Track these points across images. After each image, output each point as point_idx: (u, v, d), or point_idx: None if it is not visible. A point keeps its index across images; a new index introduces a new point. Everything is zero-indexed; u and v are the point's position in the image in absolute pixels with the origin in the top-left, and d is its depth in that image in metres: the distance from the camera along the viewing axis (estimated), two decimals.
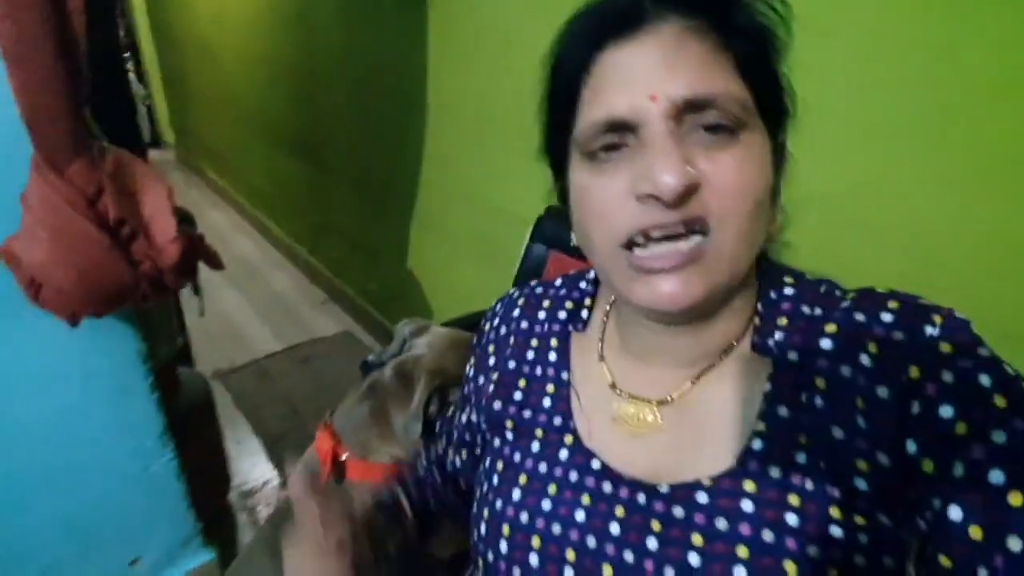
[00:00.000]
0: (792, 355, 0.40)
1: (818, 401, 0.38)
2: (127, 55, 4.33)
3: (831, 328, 0.39)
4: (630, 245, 0.38)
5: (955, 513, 0.31)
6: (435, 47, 1.56)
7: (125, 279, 0.83)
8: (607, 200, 0.38)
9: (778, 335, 0.41)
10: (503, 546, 0.46)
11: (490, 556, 0.47)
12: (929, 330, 0.36)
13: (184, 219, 0.99)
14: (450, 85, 1.55)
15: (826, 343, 0.39)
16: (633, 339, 0.47)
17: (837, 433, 0.37)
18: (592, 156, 0.39)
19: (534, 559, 0.44)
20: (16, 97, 0.71)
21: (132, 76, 4.43)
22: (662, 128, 0.35)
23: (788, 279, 0.44)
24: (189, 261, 0.91)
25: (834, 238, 0.82)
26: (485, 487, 0.51)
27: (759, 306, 0.43)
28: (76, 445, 1.03)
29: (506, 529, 0.46)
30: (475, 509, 0.51)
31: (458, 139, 1.56)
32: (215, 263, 0.98)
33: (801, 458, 0.38)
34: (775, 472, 0.38)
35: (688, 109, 0.35)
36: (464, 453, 0.61)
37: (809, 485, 0.37)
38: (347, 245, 2.44)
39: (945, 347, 0.35)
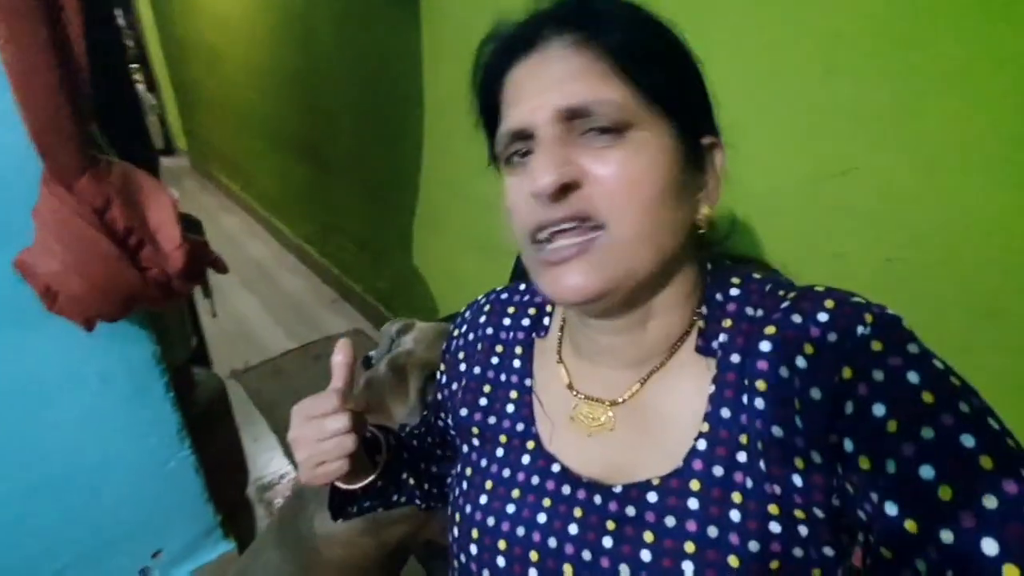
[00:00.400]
0: (734, 357, 0.41)
1: (758, 402, 0.39)
2: (136, 66, 4.43)
3: (770, 330, 0.40)
4: (537, 241, 0.41)
5: (891, 508, 0.33)
6: (428, 45, 1.58)
7: (135, 285, 0.87)
8: (516, 200, 0.42)
9: (722, 337, 0.43)
10: (473, 549, 0.48)
11: (463, 558, 0.50)
12: (860, 329, 0.37)
13: (191, 226, 1.03)
14: (445, 82, 1.57)
15: (765, 345, 0.40)
16: (582, 340, 0.49)
17: (776, 432, 0.38)
18: (508, 161, 0.44)
19: (501, 561, 0.46)
20: (23, 117, 0.75)
21: (142, 87, 4.54)
22: (547, 134, 0.39)
23: (735, 280, 0.45)
24: (196, 266, 0.96)
25: (816, 222, 0.84)
26: (456, 492, 0.53)
27: (703, 308, 0.44)
28: (97, 444, 1.08)
29: (475, 533, 0.48)
30: (449, 512, 0.53)
31: (454, 136, 1.58)
32: (220, 267, 1.02)
33: (742, 457, 0.39)
34: (718, 471, 0.40)
35: (571, 116, 0.39)
36: (443, 452, 0.64)
37: (750, 483, 0.39)
38: (355, 245, 2.48)
39: (876, 345, 0.36)
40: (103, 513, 1.13)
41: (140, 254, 0.88)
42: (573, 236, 0.39)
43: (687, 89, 0.42)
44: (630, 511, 0.42)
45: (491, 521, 0.48)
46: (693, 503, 0.40)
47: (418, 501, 0.64)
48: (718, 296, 0.44)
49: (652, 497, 0.42)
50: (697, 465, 0.41)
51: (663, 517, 0.41)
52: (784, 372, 0.38)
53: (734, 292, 0.44)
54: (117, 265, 0.84)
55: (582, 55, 0.39)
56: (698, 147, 0.42)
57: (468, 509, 0.50)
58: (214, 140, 4.05)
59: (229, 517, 1.34)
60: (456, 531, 0.51)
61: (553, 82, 0.39)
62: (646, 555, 0.40)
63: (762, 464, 0.39)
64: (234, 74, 3.18)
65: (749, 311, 0.42)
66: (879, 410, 0.34)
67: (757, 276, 0.45)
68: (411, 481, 0.62)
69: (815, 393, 0.37)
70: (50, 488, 1.06)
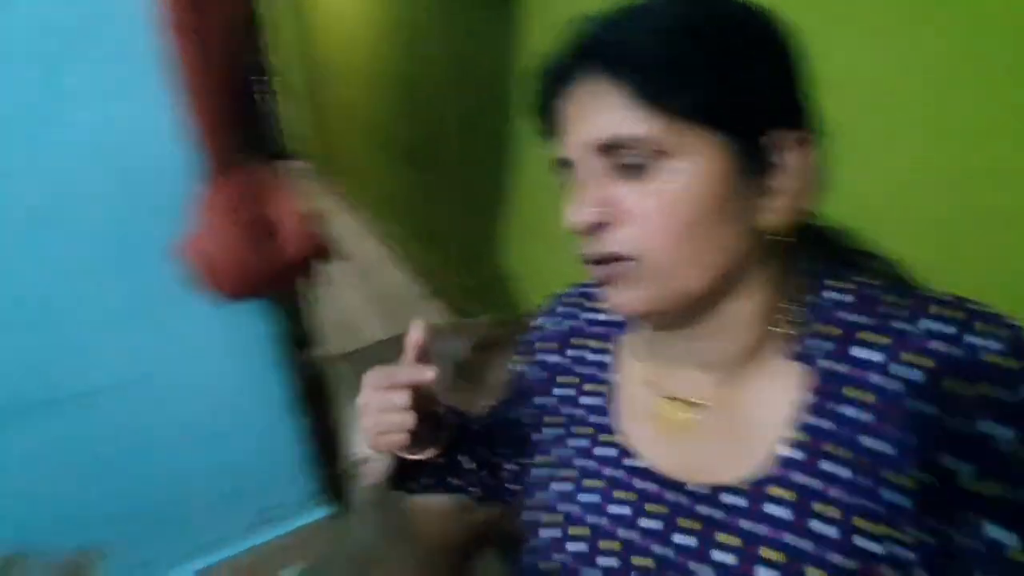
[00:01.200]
0: (829, 364, 0.40)
1: (852, 412, 0.38)
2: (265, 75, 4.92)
3: (883, 340, 0.38)
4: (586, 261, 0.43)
5: (996, 532, 0.32)
6: (528, 48, 1.61)
7: (265, 270, 0.99)
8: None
9: (823, 344, 0.41)
10: (547, 532, 0.49)
11: (538, 542, 0.50)
12: (992, 345, 0.34)
13: (312, 221, 1.15)
14: None
15: (877, 356, 0.38)
16: (658, 342, 0.49)
17: (870, 444, 0.37)
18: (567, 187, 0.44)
19: (582, 546, 0.47)
20: (194, 122, 0.88)
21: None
22: (584, 168, 0.40)
23: (847, 284, 0.42)
24: (313, 257, 1.06)
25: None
26: (531, 477, 0.54)
27: (796, 312, 0.42)
28: (219, 410, 1.24)
29: (553, 518, 0.49)
30: (525, 497, 0.54)
31: None
32: (334, 258, 1.13)
33: (830, 467, 0.38)
34: (803, 479, 0.39)
35: (606, 149, 0.39)
36: (506, 444, 0.63)
37: (836, 494, 0.38)
38: (453, 244, 2.59)
39: (1009, 364, 0.33)
40: (219, 472, 1.30)
41: (271, 243, 0.99)
42: (607, 268, 0.41)
43: (742, 92, 0.37)
44: (717, 514, 0.42)
45: (570, 508, 0.49)
46: (775, 510, 0.39)
47: (472, 489, 0.63)
48: (823, 301, 0.42)
49: (742, 502, 0.41)
50: (782, 472, 0.40)
51: (744, 521, 0.40)
52: (896, 385, 0.36)
53: (844, 298, 0.42)
54: (253, 252, 0.96)
55: (610, 87, 0.38)
56: (760, 149, 0.38)
57: (544, 495, 0.51)
58: (333, 145, 4.41)
59: (327, 486, 1.46)
60: (531, 516, 0.52)
61: (586, 115, 0.39)
62: (731, 559, 0.40)
63: (859, 478, 0.37)
64: (348, 81, 3.46)
65: (860, 319, 0.40)
66: (995, 430, 0.32)
67: (874, 282, 0.42)
68: (468, 466, 0.61)
69: (930, 409, 0.35)
70: (172, 447, 1.23)
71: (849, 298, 0.42)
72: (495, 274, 2.17)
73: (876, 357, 0.38)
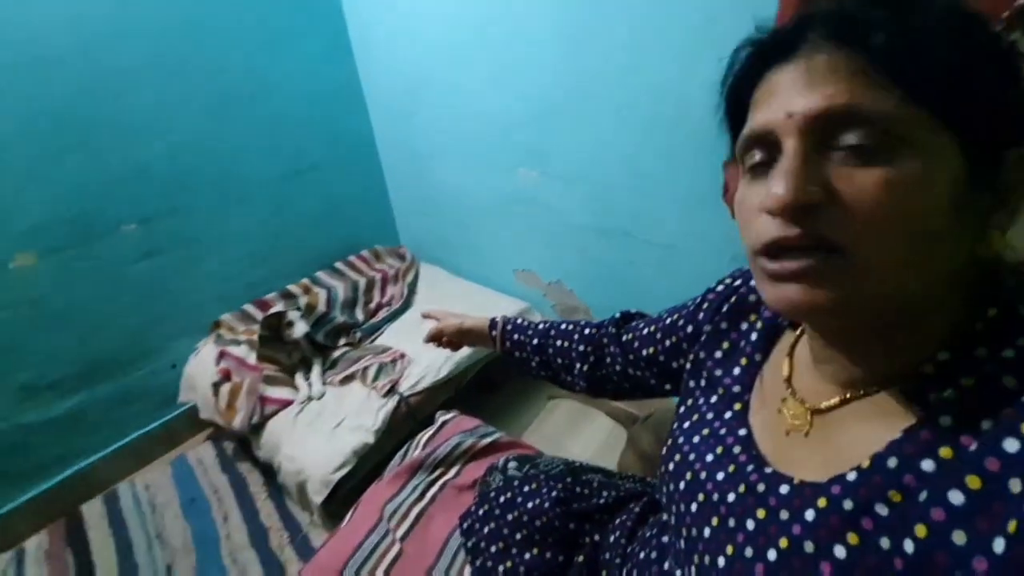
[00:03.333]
0: (946, 420, 0.35)
1: (953, 495, 0.32)
2: None
3: None
4: (764, 253, 0.38)
5: None
6: None
7: None
8: (748, 210, 0.39)
9: (948, 393, 0.36)
10: (671, 465, 0.57)
11: (663, 468, 0.59)
12: None
13: None
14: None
15: (1011, 444, 0.31)
16: (812, 342, 0.47)
17: (957, 539, 0.31)
18: (749, 169, 0.40)
19: (682, 485, 0.54)
20: None
21: None
22: (794, 144, 0.35)
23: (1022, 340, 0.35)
24: None
25: None
26: (675, 416, 0.62)
27: (941, 355, 0.37)
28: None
29: (676, 455, 0.57)
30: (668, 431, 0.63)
31: None
32: None
33: (882, 511, 0.36)
34: (849, 505, 0.38)
35: (827, 125, 0.34)
36: (657, 351, 0.70)
37: (879, 539, 0.35)
38: None
39: None
40: None
41: None
42: (804, 258, 0.35)
43: (983, 97, 0.33)
44: (770, 496, 0.44)
45: (686, 448, 0.56)
46: (810, 514, 0.40)
47: (535, 370, 0.87)
48: (981, 349, 0.36)
49: (784, 489, 0.44)
50: (835, 490, 0.39)
51: (781, 508, 0.43)
52: (1016, 486, 0.30)
53: (1007, 353, 0.35)
54: None
55: (847, 60, 0.34)
56: (995, 161, 0.34)
57: (676, 432, 0.59)
58: None
59: None
60: (665, 447, 0.61)
61: (810, 86, 0.35)
62: (750, 524, 0.44)
63: (900, 529, 0.34)
64: None
65: (1010, 382, 0.34)
66: None
67: None
68: (537, 366, 0.86)
69: None
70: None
71: (1013, 354, 0.35)
72: None
73: (1011, 445, 0.31)
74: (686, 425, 0.58)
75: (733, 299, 0.61)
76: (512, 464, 0.92)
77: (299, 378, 1.71)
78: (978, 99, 0.33)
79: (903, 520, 0.34)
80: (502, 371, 1.97)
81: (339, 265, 2.21)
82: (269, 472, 1.66)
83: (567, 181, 1.64)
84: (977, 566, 0.30)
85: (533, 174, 1.73)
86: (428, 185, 2.15)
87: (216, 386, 1.67)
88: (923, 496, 0.34)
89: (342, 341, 1.89)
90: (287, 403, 1.63)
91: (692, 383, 0.62)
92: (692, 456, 0.54)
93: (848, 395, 0.43)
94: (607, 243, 1.65)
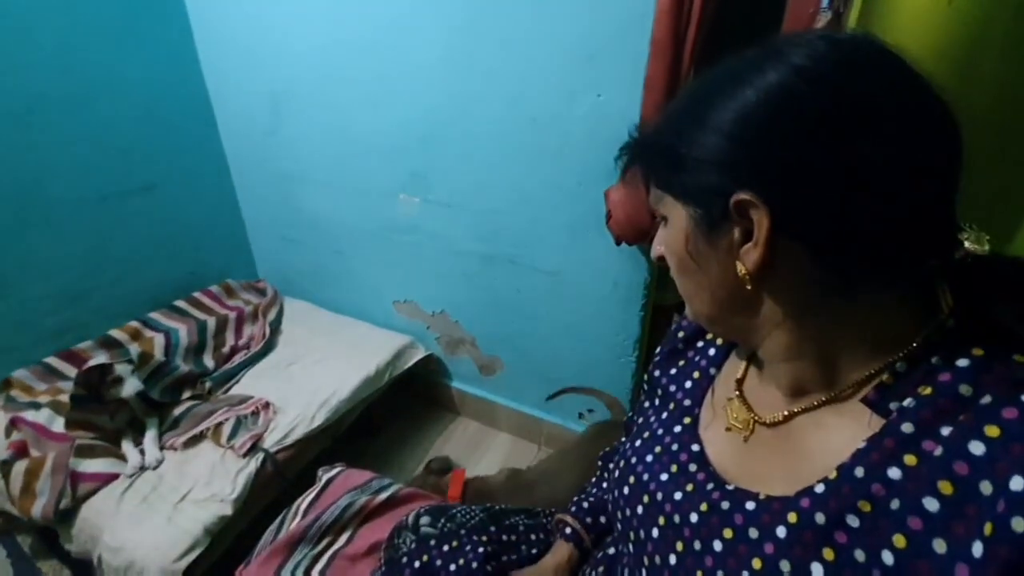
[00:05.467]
0: (908, 427, 0.36)
1: (928, 502, 0.33)
2: None
3: (992, 431, 0.32)
4: None
5: None
6: None
7: (647, 226, 1.19)
8: None
9: (908, 401, 0.37)
10: (626, 489, 0.56)
11: (617, 492, 0.58)
12: None
13: None
14: None
15: (976, 447, 0.32)
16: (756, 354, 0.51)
17: (937, 546, 0.32)
18: None
19: (640, 510, 0.53)
20: (643, 103, 1.10)
21: None
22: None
23: (978, 351, 0.36)
24: None
25: None
26: (626, 436, 0.64)
27: (899, 365, 0.39)
28: (589, 325, 1.55)
29: (627, 474, 0.56)
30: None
31: None
32: None
33: (854, 522, 0.36)
34: (821, 519, 0.38)
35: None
36: None
37: (854, 551, 0.36)
38: None
39: None
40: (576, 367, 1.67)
41: None
42: None
43: (689, 168, 0.41)
44: (736, 514, 0.44)
45: (640, 468, 0.55)
46: (781, 531, 0.40)
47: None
48: (935, 359, 0.38)
49: (750, 505, 0.43)
50: (804, 503, 0.39)
51: (749, 526, 0.42)
52: (986, 488, 0.31)
53: (962, 362, 0.36)
54: (644, 210, 1.16)
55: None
56: (722, 211, 0.40)
57: (628, 451, 0.59)
58: None
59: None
60: (616, 468, 0.60)
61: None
62: (717, 545, 0.43)
63: (875, 541, 0.35)
64: None
65: (966, 390, 0.35)
66: None
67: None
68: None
69: (1020, 525, 0.29)
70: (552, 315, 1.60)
71: (967, 363, 0.36)
72: None
73: (976, 448, 0.32)
74: (638, 443, 0.58)
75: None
76: (424, 520, 0.80)
77: (127, 445, 1.38)
78: (690, 170, 0.42)
79: (876, 530, 0.35)
80: (383, 411, 1.81)
81: (180, 303, 1.87)
82: (85, 571, 1.30)
83: (451, 207, 1.59)
84: (960, 573, 0.30)
85: (415, 200, 1.64)
86: (293, 210, 1.94)
87: (6, 465, 1.27)
88: (895, 504, 0.34)
89: (186, 394, 1.58)
90: (110, 478, 1.30)
91: (647, 402, 0.64)
92: (646, 476, 0.53)
93: (800, 408, 0.45)
94: (493, 271, 1.62)
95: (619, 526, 0.57)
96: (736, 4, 1.04)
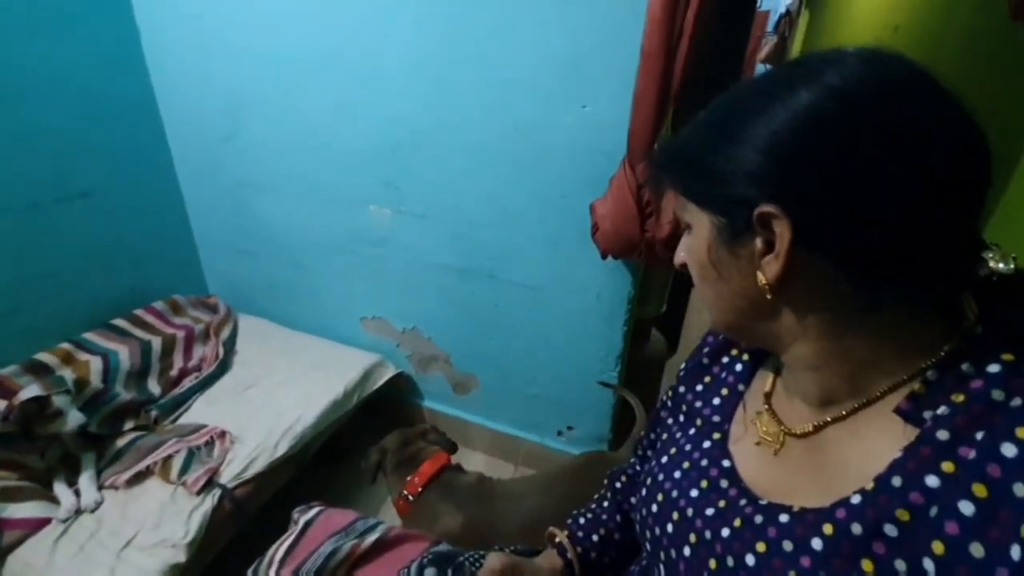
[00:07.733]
0: (943, 435, 0.36)
1: (963, 505, 0.33)
2: None
3: (1022, 433, 0.33)
4: None
5: None
6: None
7: (638, 240, 1.19)
8: None
9: (942, 409, 0.37)
10: (654, 507, 0.55)
11: (644, 510, 0.57)
12: None
13: None
14: None
15: (1009, 448, 0.33)
16: (783, 364, 0.51)
17: (975, 550, 0.32)
18: None
19: (655, 509, 0.54)
20: (632, 123, 1.10)
21: None
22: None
23: (1008, 356, 0.37)
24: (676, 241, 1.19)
25: None
26: (651, 452, 0.61)
27: (930, 373, 0.39)
28: (571, 338, 1.51)
29: (654, 492, 0.56)
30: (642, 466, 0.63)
31: None
32: None
33: (892, 532, 0.36)
34: (858, 529, 0.38)
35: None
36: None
37: (894, 562, 0.36)
38: None
39: None
40: (556, 396, 1.63)
41: (647, 222, 1.17)
42: None
43: (716, 179, 0.42)
44: (769, 528, 0.44)
45: (668, 485, 0.55)
46: (817, 543, 0.40)
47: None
48: (966, 366, 0.38)
49: (784, 518, 0.43)
50: (840, 514, 0.39)
51: (783, 539, 0.42)
52: (1020, 490, 0.32)
53: (993, 368, 0.37)
54: (634, 224, 1.17)
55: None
56: (745, 221, 0.41)
57: (655, 469, 0.58)
58: None
59: (617, 435, 1.66)
60: (643, 488, 0.59)
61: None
62: (750, 560, 0.43)
63: (913, 548, 0.35)
64: None
65: (998, 395, 0.35)
66: None
67: None
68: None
69: None
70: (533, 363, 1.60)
71: (999, 369, 0.37)
72: None
73: (1009, 450, 0.33)
74: (664, 460, 0.58)
75: (720, 336, 0.63)
76: (429, 572, 0.72)
77: (59, 486, 1.21)
78: (713, 181, 0.43)
79: (915, 539, 0.35)
80: (349, 434, 1.69)
81: (119, 322, 1.68)
82: None
83: (426, 219, 1.51)
84: None
85: (386, 211, 1.56)
86: (248, 220, 1.81)
87: None
88: (934, 512, 0.35)
89: (128, 425, 1.42)
90: (41, 524, 1.13)
91: (670, 419, 0.63)
92: (675, 493, 0.53)
93: (829, 419, 0.45)
94: (470, 285, 1.56)
95: (648, 546, 0.56)
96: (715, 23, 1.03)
